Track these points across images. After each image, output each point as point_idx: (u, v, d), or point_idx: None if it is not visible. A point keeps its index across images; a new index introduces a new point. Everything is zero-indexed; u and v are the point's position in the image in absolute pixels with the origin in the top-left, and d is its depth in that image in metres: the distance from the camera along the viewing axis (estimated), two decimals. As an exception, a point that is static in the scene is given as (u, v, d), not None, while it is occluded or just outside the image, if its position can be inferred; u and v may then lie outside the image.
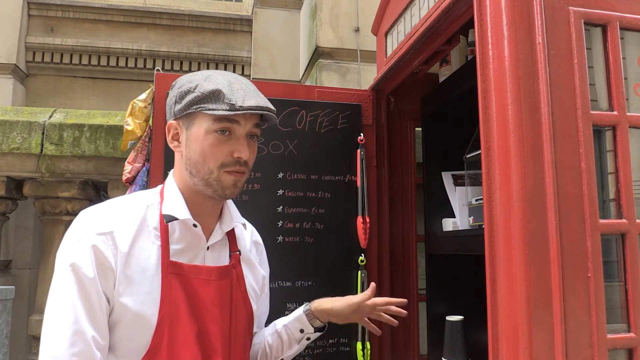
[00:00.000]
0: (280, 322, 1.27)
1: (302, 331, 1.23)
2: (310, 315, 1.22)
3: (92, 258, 0.94)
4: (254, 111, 0.99)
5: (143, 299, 0.96)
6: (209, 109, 0.98)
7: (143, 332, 0.96)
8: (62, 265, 0.95)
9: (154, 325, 0.96)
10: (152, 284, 0.98)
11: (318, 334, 1.25)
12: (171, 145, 1.08)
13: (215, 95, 0.99)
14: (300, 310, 1.25)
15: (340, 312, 1.22)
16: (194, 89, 1.01)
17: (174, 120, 1.06)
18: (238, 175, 1.04)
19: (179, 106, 1.03)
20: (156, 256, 1.00)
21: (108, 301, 0.95)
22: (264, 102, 1.01)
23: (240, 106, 0.98)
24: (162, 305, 0.97)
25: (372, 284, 1.28)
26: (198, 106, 1.00)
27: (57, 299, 0.93)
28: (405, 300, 1.29)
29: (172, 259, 1.02)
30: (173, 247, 1.03)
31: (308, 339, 1.24)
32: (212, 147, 1.00)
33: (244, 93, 1.00)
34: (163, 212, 1.03)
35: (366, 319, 1.28)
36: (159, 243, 1.01)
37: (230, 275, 1.10)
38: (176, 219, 1.03)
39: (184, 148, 1.04)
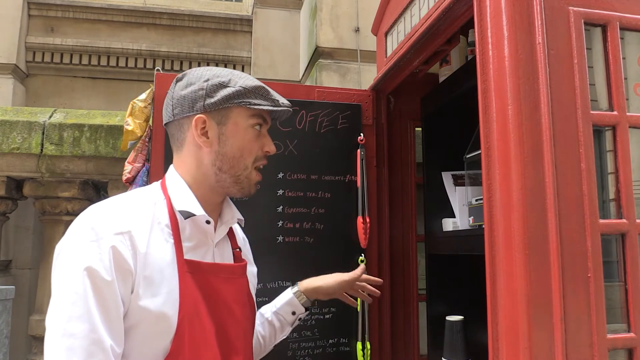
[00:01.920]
0: (267, 310, 1.28)
1: (294, 313, 1.27)
2: (300, 295, 1.28)
3: (110, 260, 0.87)
4: (288, 108, 1.08)
5: (164, 300, 0.91)
6: (255, 104, 1.02)
7: (164, 334, 0.91)
8: (73, 269, 0.86)
9: (174, 326, 0.91)
10: (171, 283, 0.93)
11: (307, 312, 1.31)
12: (199, 140, 1.02)
13: (258, 92, 1.04)
14: (289, 294, 1.29)
15: (329, 289, 1.31)
16: (228, 83, 1.02)
17: (202, 114, 1.02)
18: (260, 175, 1.10)
19: (210, 100, 1.01)
20: (171, 255, 0.96)
21: (123, 304, 0.89)
22: (288, 102, 1.11)
23: (282, 103, 1.06)
24: (181, 305, 0.93)
25: (362, 265, 1.41)
26: (241, 100, 1.02)
27: (68, 306, 0.84)
28: (381, 280, 1.43)
29: (186, 257, 0.98)
30: (185, 244, 0.99)
31: (300, 319, 1.29)
32: (251, 142, 1.05)
33: (274, 92, 1.08)
34: (178, 209, 1.00)
35: (344, 294, 1.37)
36: (172, 241, 0.97)
37: (246, 272, 1.11)
38: (194, 214, 1.00)
39: (217, 143, 1.02)
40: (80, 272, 0.86)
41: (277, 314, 1.27)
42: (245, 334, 1.05)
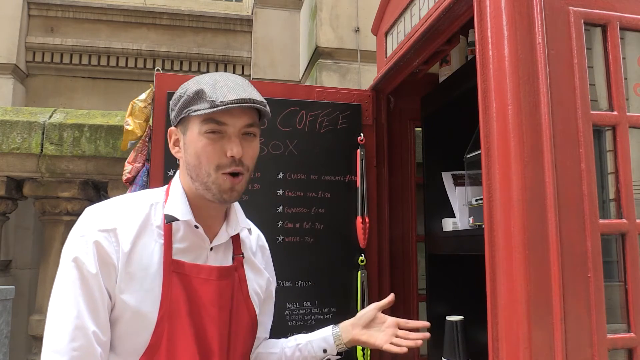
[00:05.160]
0: (303, 338, 1.25)
1: (325, 351, 1.22)
2: (338, 338, 1.22)
3: (94, 254, 0.95)
4: (233, 105, 0.96)
5: (144, 297, 0.97)
6: (194, 110, 1.00)
7: (142, 329, 0.96)
8: (65, 260, 0.96)
9: (153, 323, 0.96)
10: (154, 281, 0.98)
11: (339, 357, 1.23)
12: (173, 152, 1.09)
13: (198, 96, 0.99)
14: (328, 331, 1.23)
15: (363, 331, 1.21)
16: (184, 93, 1.03)
17: (174, 126, 1.08)
18: (236, 180, 1.02)
19: (174, 113, 1.06)
20: (158, 254, 1.00)
21: (110, 297, 0.96)
22: (247, 94, 0.99)
23: (221, 102, 0.96)
24: (162, 303, 0.97)
25: (391, 296, 1.28)
26: (187, 109, 1.02)
27: (59, 294, 0.94)
28: (428, 324, 1.26)
29: (175, 257, 1.02)
30: (176, 246, 1.03)
31: (328, 359, 1.23)
32: (205, 147, 0.99)
33: (227, 89, 0.98)
34: (165, 212, 1.04)
35: (390, 344, 1.20)
36: (162, 241, 1.02)
37: (232, 276, 1.10)
38: (177, 219, 1.03)
39: (183, 153, 1.06)
40: (70, 263, 0.95)
41: (309, 344, 1.22)
42: (220, 336, 1.04)
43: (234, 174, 1.01)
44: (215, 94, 0.97)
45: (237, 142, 1.00)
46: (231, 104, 0.96)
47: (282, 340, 1.27)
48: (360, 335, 1.21)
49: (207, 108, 0.97)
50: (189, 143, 1.03)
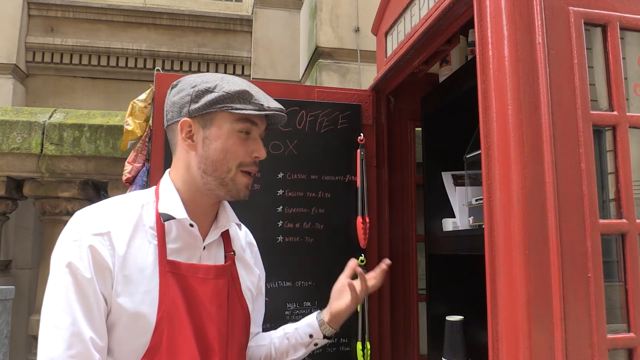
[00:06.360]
0: (290, 326, 1.27)
1: (311, 336, 1.23)
2: (321, 321, 1.24)
3: (89, 258, 0.93)
4: (276, 112, 1.06)
5: (141, 299, 0.96)
6: (237, 109, 1.02)
7: (142, 332, 0.95)
8: (58, 266, 0.94)
9: (152, 324, 0.95)
10: (150, 283, 0.98)
11: (326, 341, 1.25)
12: (184, 144, 1.06)
13: (242, 96, 1.03)
14: (313, 316, 1.26)
15: (341, 305, 1.23)
16: (214, 89, 1.03)
17: (188, 118, 1.05)
18: (251, 178, 1.09)
19: (195, 105, 1.04)
20: (153, 255, 1.00)
21: (106, 302, 0.94)
22: (280, 105, 1.09)
23: (268, 107, 1.04)
24: (160, 304, 0.97)
25: (351, 261, 1.30)
26: (223, 105, 1.02)
27: (54, 300, 0.92)
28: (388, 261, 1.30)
29: (169, 258, 1.02)
30: (170, 246, 1.03)
31: (316, 344, 1.24)
32: (235, 145, 1.04)
33: (263, 96, 1.07)
34: (160, 211, 1.03)
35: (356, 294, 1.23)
36: (156, 242, 1.01)
37: (227, 274, 1.10)
38: (173, 217, 1.03)
39: (200, 147, 1.05)
40: (63, 269, 0.93)
41: (296, 331, 1.25)
42: (220, 334, 1.04)
43: (250, 173, 1.08)
44: (260, 99, 1.05)
45: (262, 145, 1.08)
46: (275, 110, 1.05)
47: (271, 332, 1.29)
48: (333, 307, 1.24)
49: (255, 110, 1.03)
50: (214, 138, 1.03)
